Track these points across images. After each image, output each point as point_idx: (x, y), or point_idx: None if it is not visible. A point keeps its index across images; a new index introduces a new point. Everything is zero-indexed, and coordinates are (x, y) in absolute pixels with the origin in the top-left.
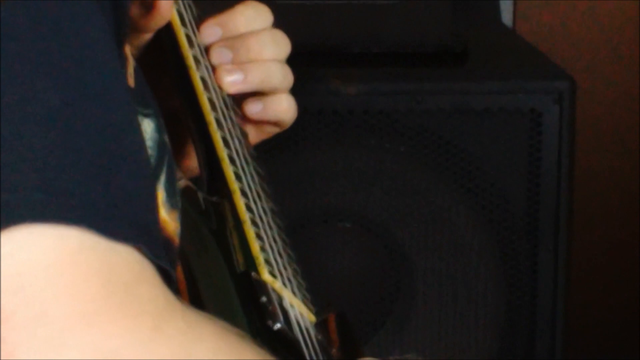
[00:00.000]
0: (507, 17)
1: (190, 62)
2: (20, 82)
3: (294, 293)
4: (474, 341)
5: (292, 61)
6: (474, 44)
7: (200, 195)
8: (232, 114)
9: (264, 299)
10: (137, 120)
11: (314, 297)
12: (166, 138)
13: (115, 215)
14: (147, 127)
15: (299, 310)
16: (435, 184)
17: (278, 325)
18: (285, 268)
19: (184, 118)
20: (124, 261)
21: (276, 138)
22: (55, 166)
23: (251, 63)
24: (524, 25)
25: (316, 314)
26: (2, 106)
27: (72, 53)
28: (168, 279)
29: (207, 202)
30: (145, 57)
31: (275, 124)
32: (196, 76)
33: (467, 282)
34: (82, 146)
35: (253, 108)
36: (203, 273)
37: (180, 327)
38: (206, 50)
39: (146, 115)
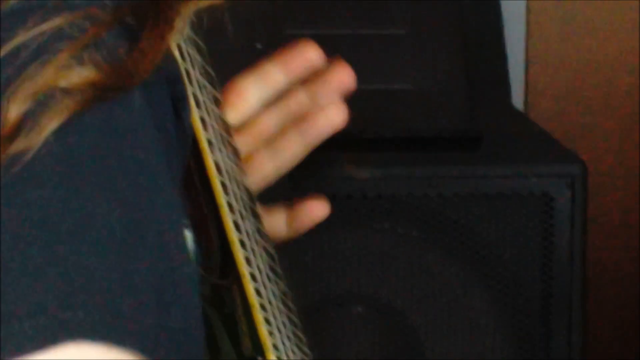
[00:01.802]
0: (518, 100)
1: (204, 145)
2: (82, 204)
3: None
4: None
5: None
6: (487, 128)
7: (209, 278)
8: (244, 196)
9: None
10: (187, 246)
11: None
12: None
13: (166, 344)
14: (188, 238)
15: None
16: (449, 268)
17: None
18: (293, 352)
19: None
20: None
21: None
22: (112, 290)
23: None
24: (535, 109)
25: None
26: (65, 226)
27: (130, 180)
28: None
29: (216, 286)
30: None
31: None
32: (209, 159)
33: None
34: (138, 273)
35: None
36: (210, 358)
37: None
38: (221, 135)
39: (186, 226)
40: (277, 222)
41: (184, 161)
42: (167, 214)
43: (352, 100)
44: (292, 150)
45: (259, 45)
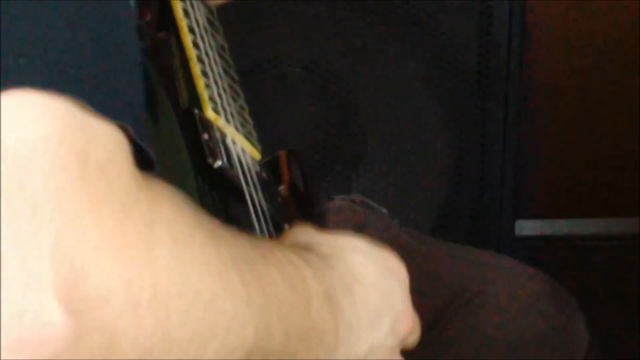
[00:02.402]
0: None
1: None
2: None
3: (236, 129)
4: (422, 188)
5: None
6: None
7: (146, 31)
8: None
9: (205, 136)
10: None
11: (263, 138)
12: None
13: (107, 91)
14: None
15: (241, 147)
16: (386, 32)
17: (218, 163)
18: (229, 104)
19: None
20: (104, 139)
21: None
22: (53, 38)
23: None
24: None
25: (265, 152)
26: None
27: None
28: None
29: (154, 39)
30: None
31: None
32: None
33: (417, 130)
34: (81, 23)
35: None
36: (147, 110)
37: (143, 211)
38: None
39: None
40: None
41: None
42: None
43: None
44: None
45: None
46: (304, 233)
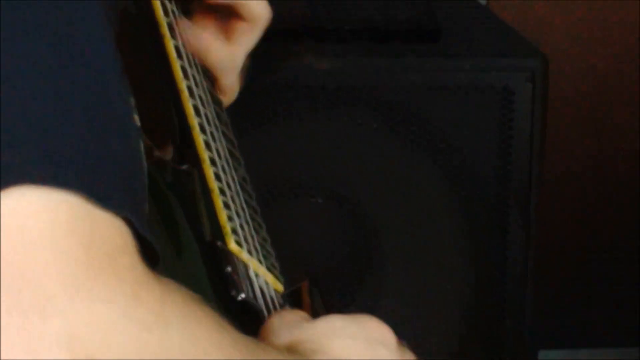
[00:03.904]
0: None
1: (165, 30)
2: (15, 41)
3: (260, 261)
4: (443, 317)
5: (265, 36)
6: (448, 21)
7: (168, 164)
8: (204, 81)
9: (228, 268)
10: (128, 87)
11: (285, 269)
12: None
13: (108, 183)
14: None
15: (264, 279)
16: (407, 160)
17: (242, 296)
18: (252, 236)
19: (154, 86)
20: (110, 231)
21: (249, 112)
22: (50, 128)
23: None
24: (498, 2)
25: (287, 283)
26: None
27: (64, 17)
28: (148, 248)
29: (176, 171)
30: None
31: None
32: (170, 44)
33: (437, 257)
34: (75, 109)
35: None
36: (169, 243)
37: (155, 295)
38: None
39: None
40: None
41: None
42: (102, 48)
43: None
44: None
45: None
46: (288, 329)
